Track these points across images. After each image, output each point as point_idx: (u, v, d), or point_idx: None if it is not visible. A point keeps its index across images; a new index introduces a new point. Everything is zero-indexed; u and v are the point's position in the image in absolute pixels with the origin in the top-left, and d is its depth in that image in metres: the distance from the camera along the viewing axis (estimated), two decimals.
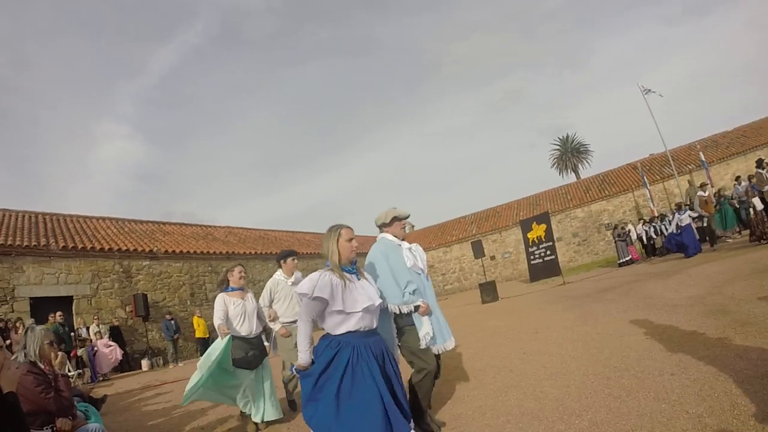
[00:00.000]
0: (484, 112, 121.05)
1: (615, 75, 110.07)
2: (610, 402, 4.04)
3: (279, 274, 6.21)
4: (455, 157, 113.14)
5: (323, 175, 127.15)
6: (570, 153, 53.98)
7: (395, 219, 4.53)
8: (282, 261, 6.25)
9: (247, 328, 5.38)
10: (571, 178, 51.55)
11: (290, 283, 6.06)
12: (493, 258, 33.20)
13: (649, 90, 24.11)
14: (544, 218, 20.26)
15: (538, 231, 19.76)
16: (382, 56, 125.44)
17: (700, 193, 16.37)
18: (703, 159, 24.53)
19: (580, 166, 53.64)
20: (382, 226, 4.59)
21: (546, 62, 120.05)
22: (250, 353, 5.35)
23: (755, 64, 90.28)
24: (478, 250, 20.46)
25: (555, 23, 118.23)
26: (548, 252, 19.25)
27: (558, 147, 55.08)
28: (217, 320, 5.16)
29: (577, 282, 17.36)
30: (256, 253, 23.24)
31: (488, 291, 17.81)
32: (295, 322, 5.74)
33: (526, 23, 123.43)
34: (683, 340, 5.40)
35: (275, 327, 5.94)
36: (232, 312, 5.33)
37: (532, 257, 19.82)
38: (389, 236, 4.52)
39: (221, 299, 5.33)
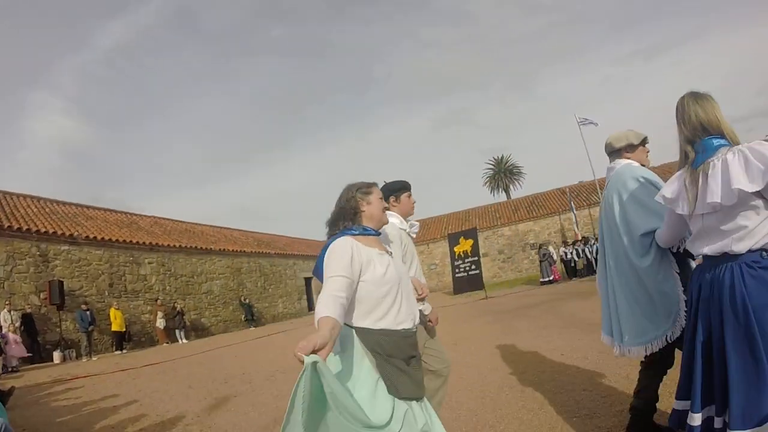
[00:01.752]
0: (426, 126, 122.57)
1: (556, 105, 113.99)
2: (523, 414, 4.15)
3: (396, 220, 3.42)
4: (392, 167, 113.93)
5: (258, 173, 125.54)
6: (503, 173, 55.39)
7: (645, 141, 3.26)
8: (393, 198, 3.54)
9: (407, 312, 2.42)
10: (501, 197, 52.89)
11: (413, 235, 3.65)
12: None
13: (586, 120, 25.03)
14: (471, 234, 20.68)
15: (465, 245, 20.12)
16: (334, 61, 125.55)
17: None
18: None
19: (511, 186, 55.21)
20: (624, 150, 3.24)
21: (494, 86, 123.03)
22: (417, 367, 2.44)
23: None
24: None
25: (509, 51, 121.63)
26: (473, 266, 19.62)
27: (492, 167, 56.38)
28: (334, 301, 2.11)
29: (500, 297, 17.81)
30: (180, 246, 22.51)
31: None
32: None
33: (482, 47, 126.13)
34: (598, 358, 5.60)
35: (425, 309, 3.27)
36: (379, 278, 2.34)
37: (457, 270, 20.14)
38: (635, 164, 3.17)
39: (348, 246, 2.35)
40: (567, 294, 14.02)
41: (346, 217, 2.54)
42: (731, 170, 2.04)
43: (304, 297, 31.99)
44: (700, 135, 2.25)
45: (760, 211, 2.06)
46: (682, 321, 2.76)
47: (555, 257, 23.09)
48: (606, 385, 4.54)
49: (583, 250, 22.54)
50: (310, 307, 32.19)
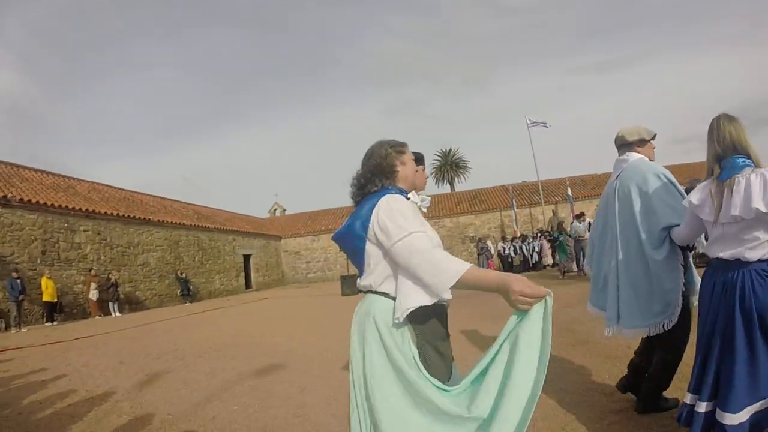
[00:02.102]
0: (377, 111, 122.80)
1: (508, 106, 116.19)
2: None
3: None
4: (338, 150, 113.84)
5: (203, 145, 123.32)
6: (449, 166, 56.00)
7: (654, 137, 3.47)
8: None
9: None
10: (445, 189, 53.61)
11: (425, 209, 3.25)
12: None
13: (537, 122, 25.91)
14: None
15: None
16: (291, 37, 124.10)
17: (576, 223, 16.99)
18: (570, 194, 26.68)
19: (456, 179, 55.90)
20: (636, 144, 3.44)
21: (449, 80, 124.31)
22: (449, 347, 2.29)
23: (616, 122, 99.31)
24: None
25: (470, 48, 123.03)
26: None
27: (439, 158, 56.93)
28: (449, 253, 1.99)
29: None
30: (117, 214, 21.68)
31: (349, 284, 18.32)
32: None
33: (443, 41, 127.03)
34: None
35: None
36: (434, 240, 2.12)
37: None
38: (647, 159, 3.42)
39: (408, 202, 2.19)
40: None
41: (384, 175, 2.26)
42: (752, 190, 2.36)
43: (242, 274, 31.63)
44: (730, 153, 2.52)
45: None
46: (678, 311, 3.10)
47: (492, 251, 23.77)
48: None
49: (521, 247, 23.32)
50: (248, 284, 32.09)
